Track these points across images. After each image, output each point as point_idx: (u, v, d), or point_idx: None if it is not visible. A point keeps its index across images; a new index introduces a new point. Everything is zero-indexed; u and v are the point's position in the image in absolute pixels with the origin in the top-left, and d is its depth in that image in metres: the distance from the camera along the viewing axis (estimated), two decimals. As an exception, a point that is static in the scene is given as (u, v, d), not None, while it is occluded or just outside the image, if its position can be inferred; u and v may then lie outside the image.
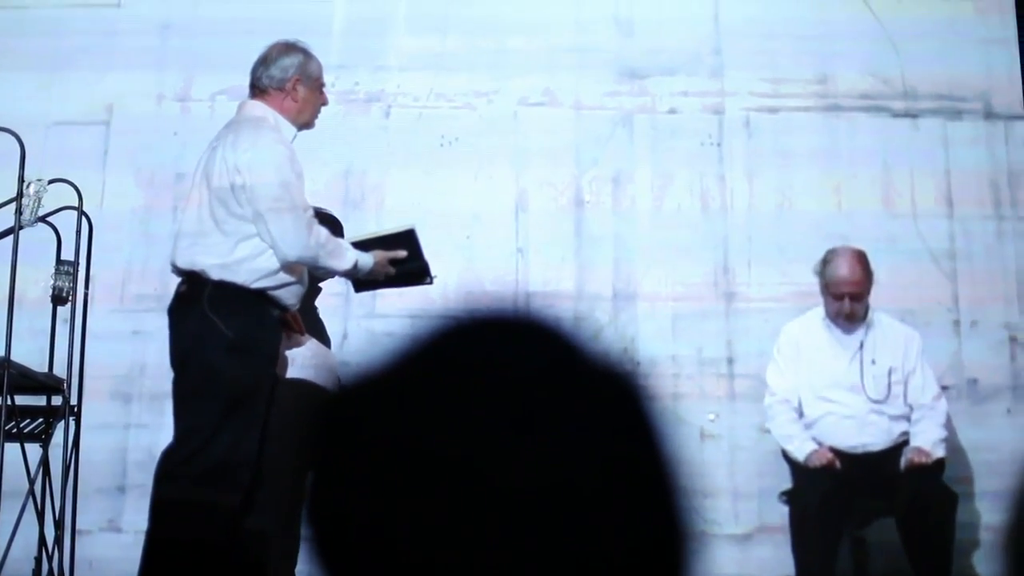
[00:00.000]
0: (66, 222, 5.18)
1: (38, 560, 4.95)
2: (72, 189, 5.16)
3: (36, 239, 5.10)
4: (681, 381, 5.68)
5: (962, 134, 6.34)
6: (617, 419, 0.92)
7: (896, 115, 6.37)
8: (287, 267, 4.07)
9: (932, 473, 5.18)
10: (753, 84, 6.40)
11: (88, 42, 6.40)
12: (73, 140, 6.23)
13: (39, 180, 4.88)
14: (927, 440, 5.24)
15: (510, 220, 6.23)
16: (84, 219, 5.22)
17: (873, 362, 5.37)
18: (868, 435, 5.28)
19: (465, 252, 6.12)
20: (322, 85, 4.41)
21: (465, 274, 5.91)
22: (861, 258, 5.41)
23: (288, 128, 4.27)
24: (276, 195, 4.03)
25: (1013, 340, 6.10)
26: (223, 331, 3.96)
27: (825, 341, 5.42)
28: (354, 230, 4.84)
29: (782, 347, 5.51)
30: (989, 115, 6.36)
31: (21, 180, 4.79)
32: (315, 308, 4.92)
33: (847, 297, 5.35)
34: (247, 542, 4.05)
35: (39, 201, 4.86)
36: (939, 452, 5.24)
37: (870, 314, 5.44)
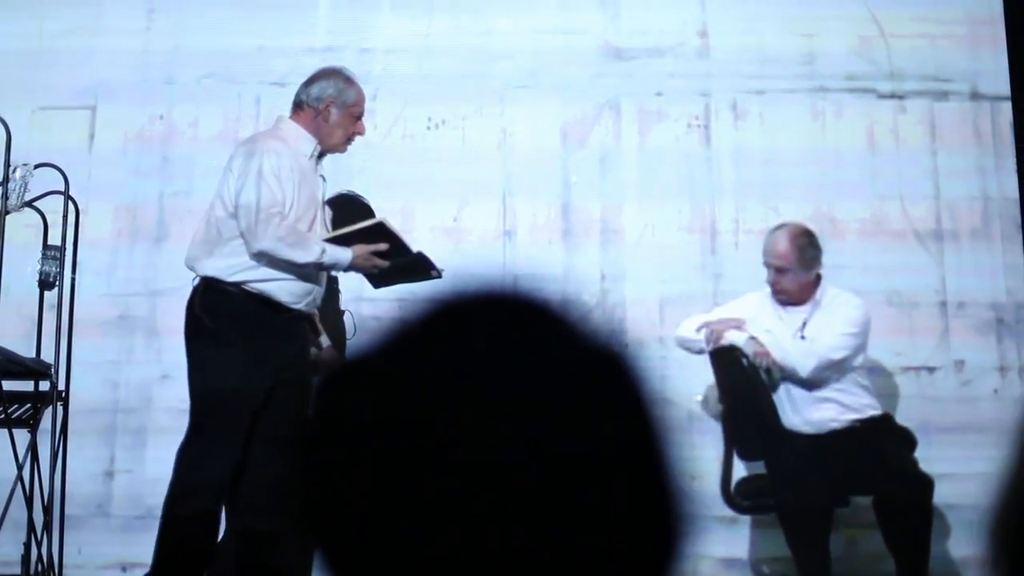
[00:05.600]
0: (53, 207, 5.16)
1: (27, 545, 4.94)
2: (59, 174, 5.14)
3: (23, 224, 5.09)
4: (669, 363, 5.67)
5: (948, 115, 6.34)
6: (605, 401, 0.92)
7: (882, 96, 6.37)
8: (256, 258, 4.24)
9: (906, 457, 5.15)
10: (739, 65, 6.40)
11: (73, 26, 6.37)
12: (59, 125, 6.21)
13: (25, 165, 4.87)
14: (791, 349, 5.24)
15: (497, 203, 6.23)
16: (71, 204, 5.20)
17: (803, 338, 5.26)
18: (822, 412, 5.19)
19: (452, 235, 6.12)
20: (357, 114, 4.57)
21: (452, 257, 5.90)
22: (795, 235, 5.32)
23: (307, 142, 4.44)
24: (246, 192, 4.24)
25: (1000, 321, 6.11)
26: (209, 325, 4.21)
27: (769, 315, 5.35)
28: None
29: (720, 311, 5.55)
30: (975, 96, 6.36)
31: (7, 165, 4.77)
32: (340, 311, 4.97)
33: (773, 269, 5.30)
34: (253, 543, 4.12)
35: (25, 186, 4.84)
36: (792, 364, 5.21)
37: (819, 292, 5.30)
